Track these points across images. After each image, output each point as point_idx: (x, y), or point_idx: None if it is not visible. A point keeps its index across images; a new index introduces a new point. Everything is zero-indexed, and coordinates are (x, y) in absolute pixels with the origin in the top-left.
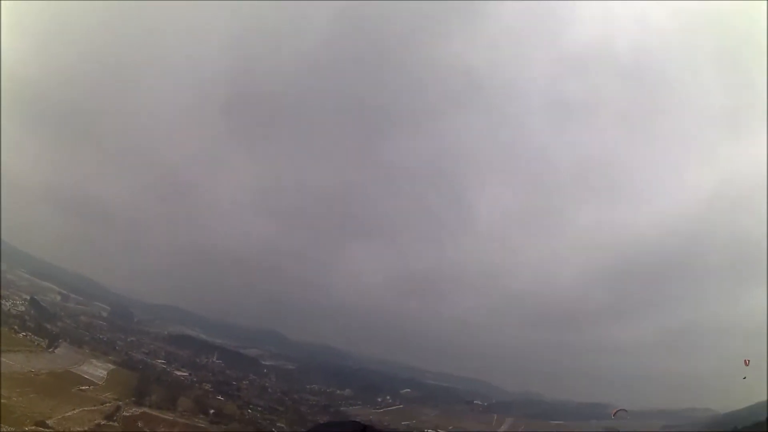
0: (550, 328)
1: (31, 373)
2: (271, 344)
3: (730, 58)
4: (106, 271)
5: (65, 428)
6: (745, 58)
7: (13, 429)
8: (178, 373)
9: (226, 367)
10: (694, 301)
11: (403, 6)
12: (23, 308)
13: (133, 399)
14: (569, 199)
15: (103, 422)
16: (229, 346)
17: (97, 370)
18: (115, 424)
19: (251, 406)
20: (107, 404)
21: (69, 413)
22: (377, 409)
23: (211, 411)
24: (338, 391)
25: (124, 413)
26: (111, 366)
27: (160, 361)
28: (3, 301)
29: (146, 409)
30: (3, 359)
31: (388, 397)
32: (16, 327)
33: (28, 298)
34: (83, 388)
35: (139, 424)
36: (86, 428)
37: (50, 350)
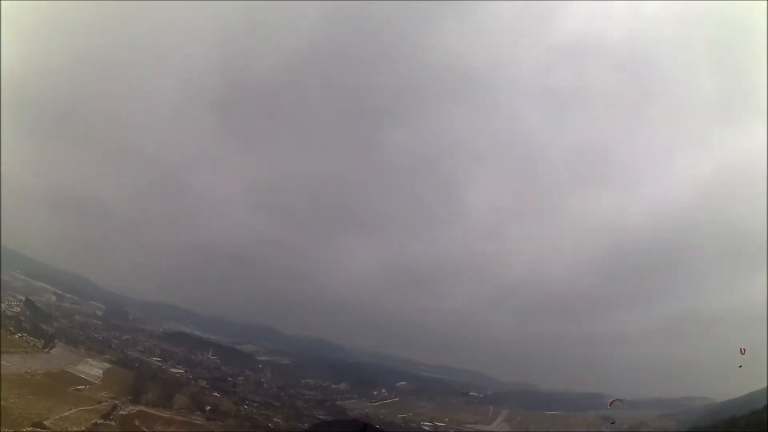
0: (545, 318)
1: (27, 374)
2: (266, 340)
3: (722, 46)
4: (100, 270)
5: (62, 428)
6: (737, 47)
7: (11, 431)
8: (174, 370)
9: (221, 364)
10: (690, 289)
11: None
12: (19, 309)
13: (130, 397)
14: (562, 189)
15: (100, 421)
16: (224, 343)
17: (93, 369)
18: (112, 423)
19: (247, 402)
20: (104, 403)
21: (66, 413)
22: (373, 402)
23: (208, 408)
24: (334, 385)
25: (121, 412)
26: (107, 365)
27: (155, 358)
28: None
29: (143, 407)
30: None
31: (383, 391)
32: (12, 328)
33: (24, 298)
34: (79, 387)
35: (136, 423)
36: (83, 428)
37: (46, 351)
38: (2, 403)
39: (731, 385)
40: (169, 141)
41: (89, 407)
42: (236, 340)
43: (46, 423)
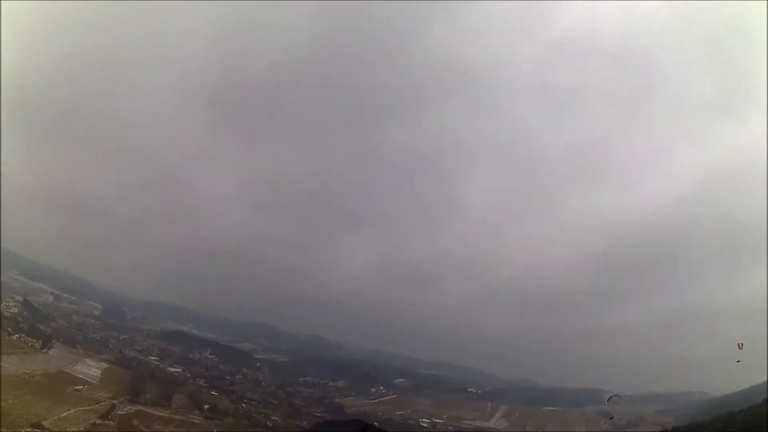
0: (543, 314)
1: (26, 374)
2: (264, 337)
3: (719, 42)
4: (97, 269)
5: (61, 429)
6: (734, 42)
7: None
8: (172, 369)
9: (219, 362)
10: (688, 284)
11: None
12: (16, 310)
13: (128, 397)
14: (561, 185)
15: (98, 422)
16: (222, 341)
17: (90, 369)
18: (111, 423)
19: (245, 401)
20: (102, 403)
21: (64, 414)
22: (371, 399)
23: (206, 406)
24: (332, 383)
25: (119, 412)
26: (105, 365)
27: (153, 357)
28: None
29: (141, 407)
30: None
31: (381, 388)
32: (9, 329)
33: (21, 299)
34: (78, 387)
35: (135, 422)
36: (82, 428)
37: (44, 351)
38: (1, 404)
39: (729, 379)
40: (166, 140)
41: (88, 407)
42: (234, 339)
43: (45, 424)
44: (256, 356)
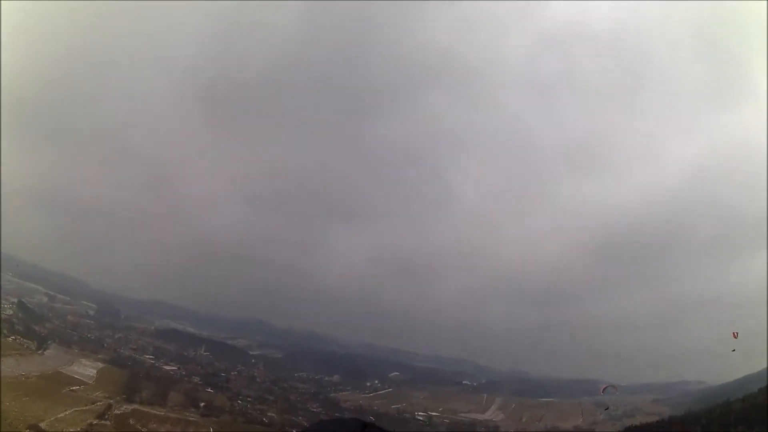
0: (537, 306)
1: (22, 376)
2: (258, 334)
3: (709, 30)
4: (91, 269)
5: (58, 430)
6: (724, 31)
7: None
8: (167, 367)
9: (214, 359)
10: (683, 273)
11: None
12: (11, 312)
13: (124, 396)
14: (552, 175)
15: (95, 422)
16: (216, 338)
17: (86, 369)
18: (108, 422)
19: (241, 397)
20: (98, 403)
21: (61, 415)
22: (366, 393)
23: (202, 404)
24: (327, 378)
25: (116, 411)
26: (100, 364)
27: (148, 356)
28: None
29: (137, 406)
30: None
31: (376, 382)
32: (5, 331)
33: (16, 301)
34: (74, 388)
35: (131, 422)
36: (79, 429)
37: (40, 352)
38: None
39: (726, 369)
40: (159, 139)
41: (84, 408)
42: (228, 335)
43: (42, 425)
44: (251, 353)
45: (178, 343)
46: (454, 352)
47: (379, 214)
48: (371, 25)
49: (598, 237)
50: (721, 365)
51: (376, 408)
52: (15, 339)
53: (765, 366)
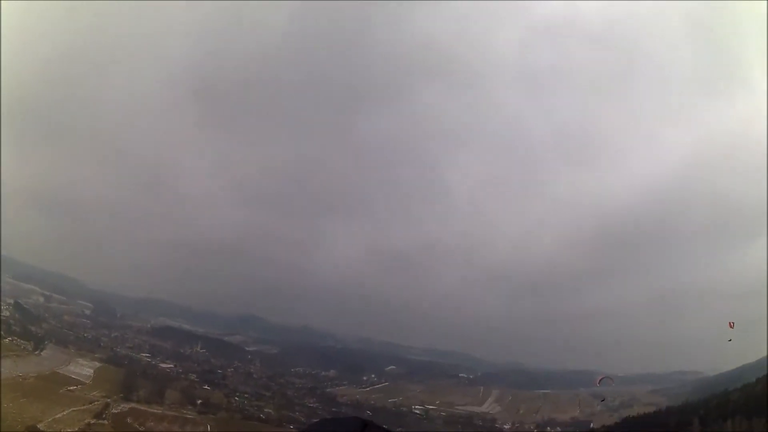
0: (533, 297)
1: (19, 377)
2: (253, 330)
3: (702, 19)
4: (86, 268)
5: (56, 430)
6: (716, 19)
7: None
8: (164, 365)
9: (210, 356)
10: (679, 263)
11: None
12: (8, 313)
13: (121, 395)
14: (545, 167)
15: (93, 421)
16: (212, 335)
17: (83, 369)
18: (105, 422)
19: (238, 394)
20: (96, 402)
21: (59, 415)
22: (363, 388)
23: (199, 401)
24: (323, 373)
25: (113, 410)
26: (97, 364)
27: (144, 354)
28: None
29: (134, 405)
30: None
31: (373, 376)
32: (2, 333)
33: (12, 302)
34: (71, 388)
35: (129, 420)
36: (77, 429)
37: (37, 353)
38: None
39: (723, 359)
40: (154, 137)
41: (82, 407)
42: (224, 332)
43: (40, 426)
44: (247, 349)
45: (174, 340)
46: (450, 345)
47: (372, 207)
48: (361, 18)
49: (593, 227)
50: (719, 355)
51: (373, 402)
52: (12, 340)
53: (764, 355)
